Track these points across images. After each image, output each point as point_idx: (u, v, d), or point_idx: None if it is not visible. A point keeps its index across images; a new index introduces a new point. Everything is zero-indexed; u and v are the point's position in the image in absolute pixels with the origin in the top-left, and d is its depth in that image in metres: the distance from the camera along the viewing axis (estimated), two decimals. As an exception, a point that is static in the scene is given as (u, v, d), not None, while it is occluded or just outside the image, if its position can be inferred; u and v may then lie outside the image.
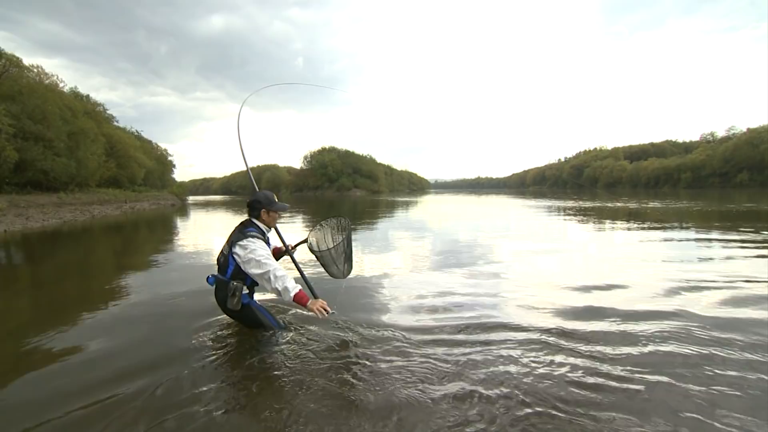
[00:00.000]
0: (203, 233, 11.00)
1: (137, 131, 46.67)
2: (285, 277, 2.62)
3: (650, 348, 2.60)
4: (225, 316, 3.11)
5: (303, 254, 3.57)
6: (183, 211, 23.82)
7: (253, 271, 2.67)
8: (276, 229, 3.15)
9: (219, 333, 3.04)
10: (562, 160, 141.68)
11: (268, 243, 2.96)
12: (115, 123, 41.06)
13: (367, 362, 2.49)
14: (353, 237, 3.38)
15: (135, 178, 37.63)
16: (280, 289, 2.60)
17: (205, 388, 2.20)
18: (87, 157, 27.03)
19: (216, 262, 3.02)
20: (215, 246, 8.01)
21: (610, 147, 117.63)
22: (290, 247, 3.24)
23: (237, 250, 2.73)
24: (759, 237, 7.44)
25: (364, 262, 5.80)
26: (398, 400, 2.04)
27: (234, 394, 2.17)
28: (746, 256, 5.62)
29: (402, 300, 3.89)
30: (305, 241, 3.34)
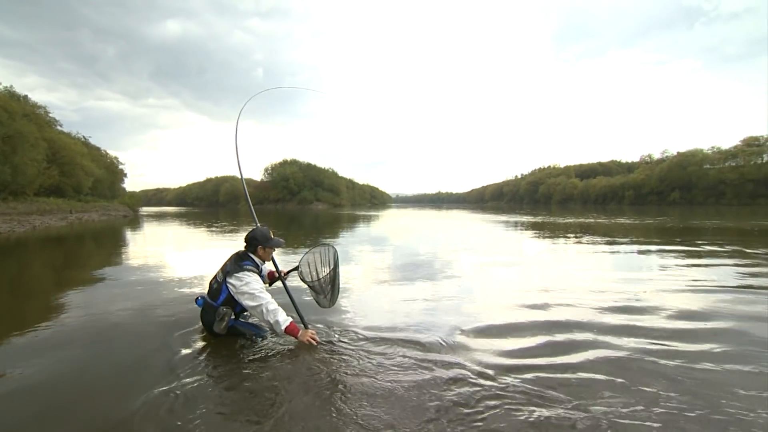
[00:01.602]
0: (167, 248, 10.29)
1: (84, 137, 43.43)
2: (277, 310, 2.80)
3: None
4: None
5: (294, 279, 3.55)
6: (136, 223, 22.24)
7: (247, 302, 2.83)
8: (272, 257, 3.29)
9: (188, 346, 2.92)
10: (519, 176, 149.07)
11: (261, 275, 3.14)
12: (59, 128, 37.94)
13: (344, 359, 2.65)
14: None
15: (81, 187, 34.79)
16: (272, 321, 2.77)
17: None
18: (25, 163, 24.69)
19: (208, 286, 3.11)
20: (175, 262, 7.54)
21: (562, 165, 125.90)
22: (282, 274, 3.35)
23: (232, 281, 2.87)
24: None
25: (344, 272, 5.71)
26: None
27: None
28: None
29: (371, 307, 4.05)
30: (296, 268, 3.39)
